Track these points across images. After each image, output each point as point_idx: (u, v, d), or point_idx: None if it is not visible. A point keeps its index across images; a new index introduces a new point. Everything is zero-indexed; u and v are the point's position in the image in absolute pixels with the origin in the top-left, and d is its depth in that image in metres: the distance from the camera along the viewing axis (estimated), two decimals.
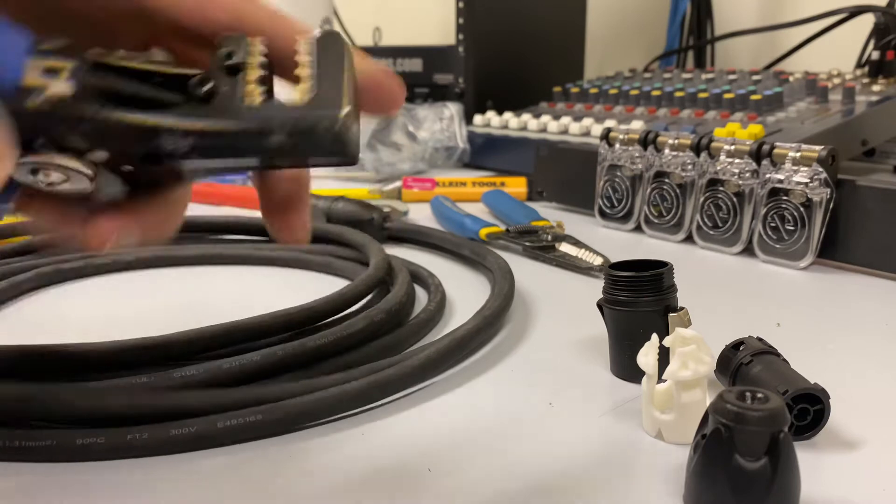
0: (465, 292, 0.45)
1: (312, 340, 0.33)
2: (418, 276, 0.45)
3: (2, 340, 0.31)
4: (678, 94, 0.80)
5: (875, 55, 0.77)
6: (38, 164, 0.20)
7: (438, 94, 1.00)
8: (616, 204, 0.60)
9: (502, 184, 0.72)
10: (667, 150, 0.56)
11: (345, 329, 0.34)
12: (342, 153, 0.21)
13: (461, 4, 0.94)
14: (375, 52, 1.06)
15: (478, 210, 0.65)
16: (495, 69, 0.99)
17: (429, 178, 0.74)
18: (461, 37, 0.95)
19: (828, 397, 0.27)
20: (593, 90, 0.90)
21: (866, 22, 0.86)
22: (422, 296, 0.44)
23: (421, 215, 0.66)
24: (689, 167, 0.55)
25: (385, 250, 0.46)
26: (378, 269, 0.42)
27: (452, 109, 0.89)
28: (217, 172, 0.22)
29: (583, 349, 0.36)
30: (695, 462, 0.23)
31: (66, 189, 0.21)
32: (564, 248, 0.52)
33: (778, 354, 0.30)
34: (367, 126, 0.85)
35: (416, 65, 1.02)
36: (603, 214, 0.61)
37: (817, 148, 0.48)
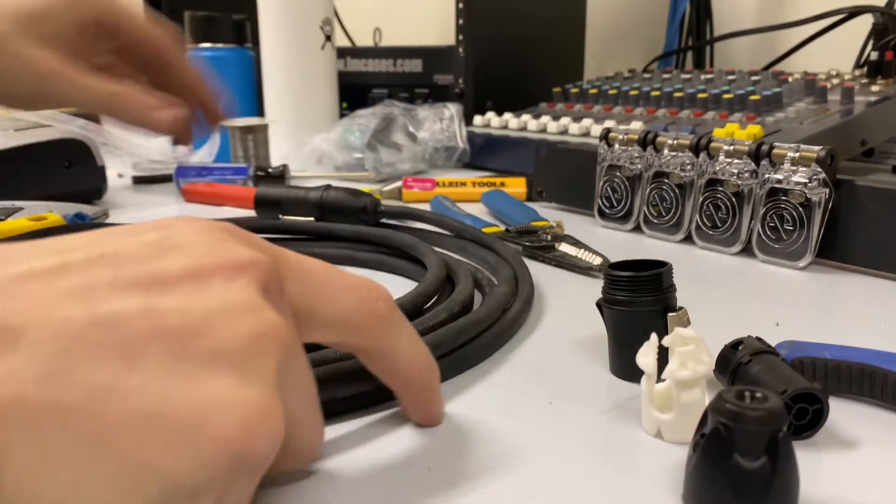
0: None
1: None
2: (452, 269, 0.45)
3: None
4: (677, 94, 0.80)
5: (874, 55, 0.77)
6: None
7: (438, 95, 1.00)
8: (615, 204, 0.60)
9: (502, 184, 0.72)
10: (666, 151, 0.57)
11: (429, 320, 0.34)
12: None
13: (461, 5, 0.94)
14: (375, 52, 1.07)
15: (478, 210, 0.65)
16: (495, 69, 0.99)
17: (429, 178, 0.74)
18: (461, 37, 0.95)
19: (827, 396, 0.27)
20: (593, 91, 0.90)
21: (865, 22, 0.86)
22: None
23: None
24: (689, 167, 0.55)
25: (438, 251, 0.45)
26: (440, 268, 0.41)
27: (452, 110, 0.90)
28: None
29: (583, 349, 0.36)
30: (694, 461, 0.23)
31: None
32: (564, 248, 0.52)
33: (777, 354, 0.30)
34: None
35: (416, 65, 1.02)
36: (602, 214, 0.62)
37: (816, 148, 0.48)
